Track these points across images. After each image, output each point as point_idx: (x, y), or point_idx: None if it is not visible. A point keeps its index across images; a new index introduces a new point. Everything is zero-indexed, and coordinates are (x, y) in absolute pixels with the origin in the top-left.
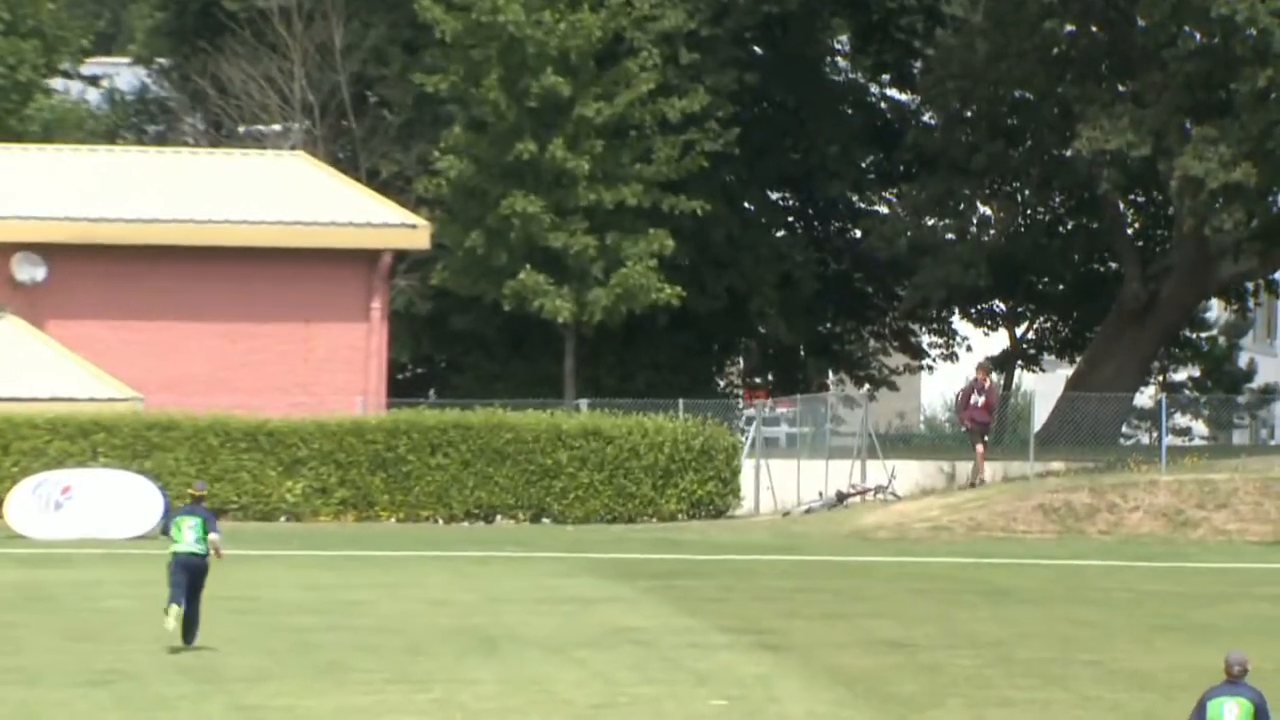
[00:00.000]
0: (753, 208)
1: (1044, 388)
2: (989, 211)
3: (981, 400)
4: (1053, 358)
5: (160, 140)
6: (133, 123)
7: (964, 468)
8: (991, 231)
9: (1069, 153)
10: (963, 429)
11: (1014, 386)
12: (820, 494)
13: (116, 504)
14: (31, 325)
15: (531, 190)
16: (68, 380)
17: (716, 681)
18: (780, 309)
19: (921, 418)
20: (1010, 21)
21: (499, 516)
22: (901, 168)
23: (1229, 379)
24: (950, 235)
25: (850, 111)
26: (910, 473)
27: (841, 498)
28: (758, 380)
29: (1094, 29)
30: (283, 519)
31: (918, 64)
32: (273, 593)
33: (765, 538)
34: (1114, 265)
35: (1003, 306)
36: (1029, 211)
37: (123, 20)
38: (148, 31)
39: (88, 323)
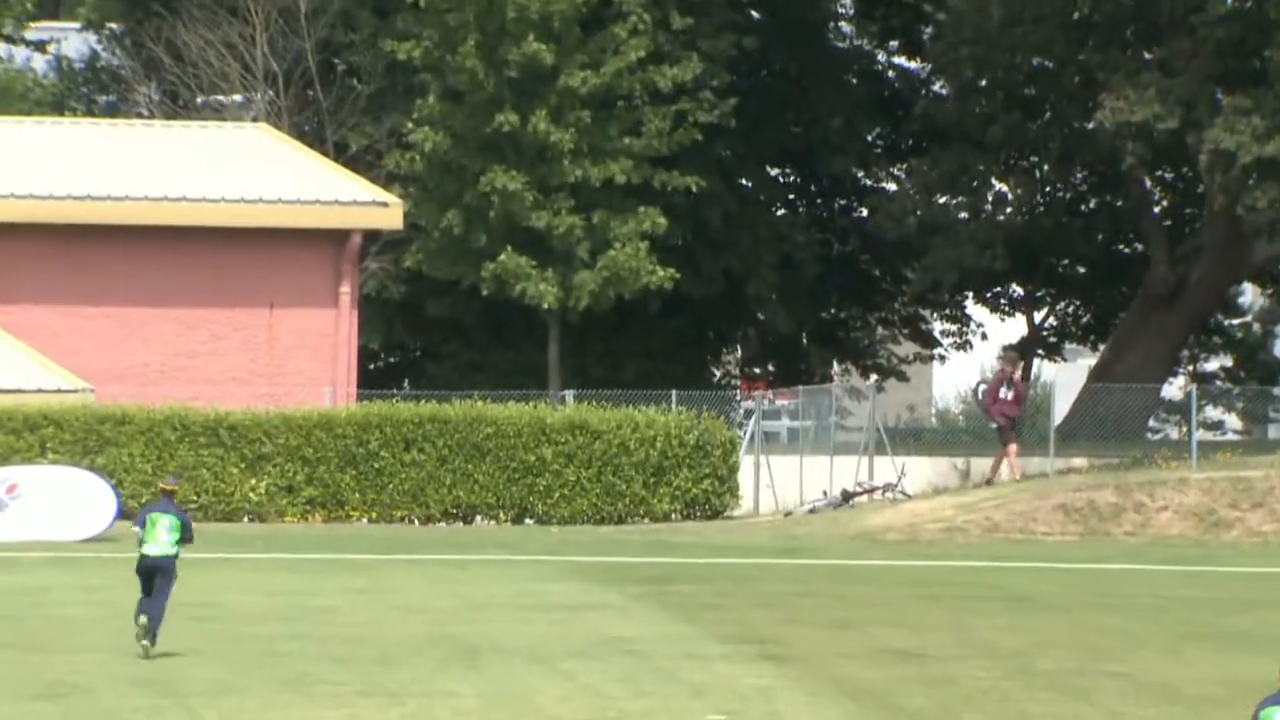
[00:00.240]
0: (751, 184)
1: (1065, 378)
2: (1005, 189)
3: (1011, 393)
4: (1074, 346)
5: (112, 111)
6: (82, 93)
7: (980, 464)
8: (1008, 210)
9: (1091, 125)
10: (992, 425)
11: (1033, 377)
12: (824, 493)
13: (66, 503)
14: None
15: (512, 166)
16: (12, 370)
17: (713, 694)
18: (780, 293)
19: (933, 410)
20: None
21: (478, 517)
22: (910, 141)
23: (1264, 369)
24: (963, 214)
25: (855, 81)
26: (921, 470)
27: (847, 497)
28: (757, 370)
29: None
30: (246, 519)
31: (928, 29)
32: (235, 599)
33: (765, 540)
34: (1140, 246)
35: (1020, 291)
36: (1048, 188)
37: None
38: None
39: (33, 308)
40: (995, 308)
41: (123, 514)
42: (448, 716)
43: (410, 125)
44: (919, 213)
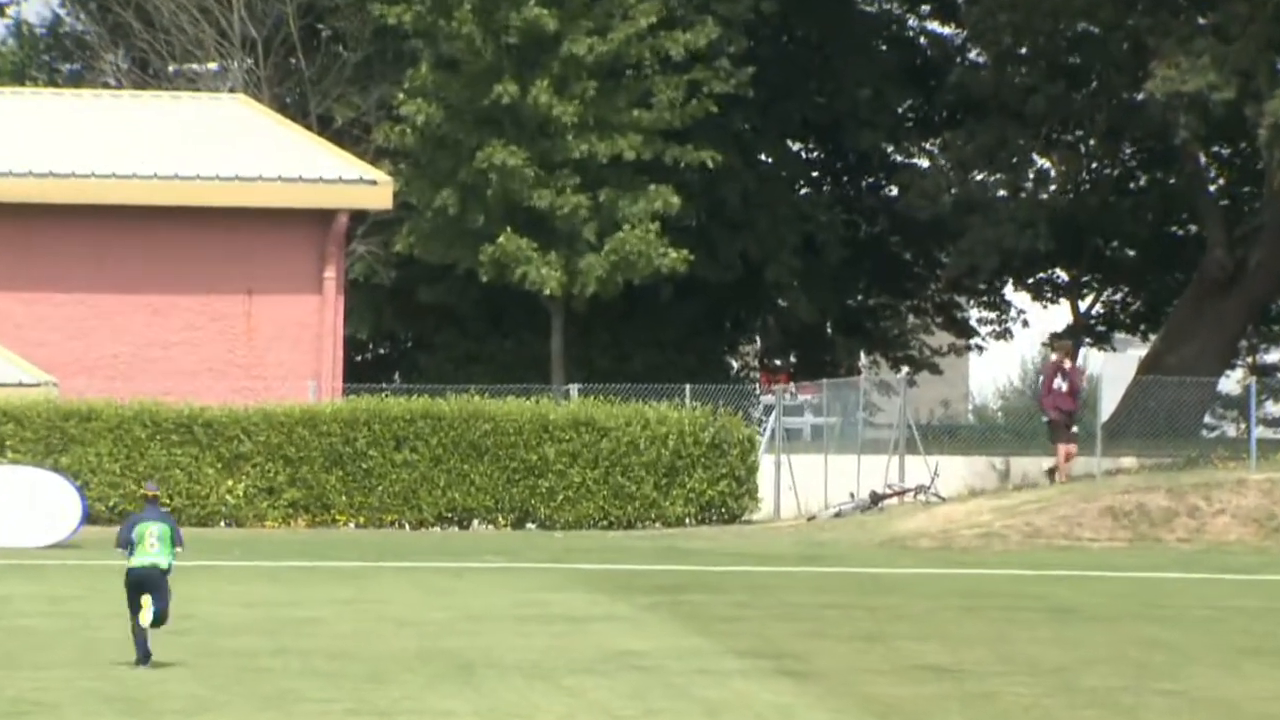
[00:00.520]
0: (770, 160)
1: (1113, 370)
2: (1047, 165)
3: (1065, 385)
4: (1123, 335)
5: (76, 81)
6: (44, 60)
7: (1021, 465)
8: (1051, 188)
9: (1141, 96)
10: (1044, 420)
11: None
12: (851, 495)
13: (27, 507)
14: None
15: (512, 140)
16: None
17: (730, 713)
18: (803, 279)
19: (970, 406)
20: None
21: (475, 521)
22: (944, 114)
23: None
24: (1002, 192)
25: (884, 48)
26: (956, 470)
27: (876, 499)
28: (777, 362)
29: None
30: (223, 524)
31: None
32: (211, 610)
33: (787, 546)
34: (1194, 228)
35: (1064, 276)
36: (1094, 165)
37: None
38: None
39: None
40: (1037, 294)
41: (89, 518)
42: None
43: (401, 96)
44: (954, 191)
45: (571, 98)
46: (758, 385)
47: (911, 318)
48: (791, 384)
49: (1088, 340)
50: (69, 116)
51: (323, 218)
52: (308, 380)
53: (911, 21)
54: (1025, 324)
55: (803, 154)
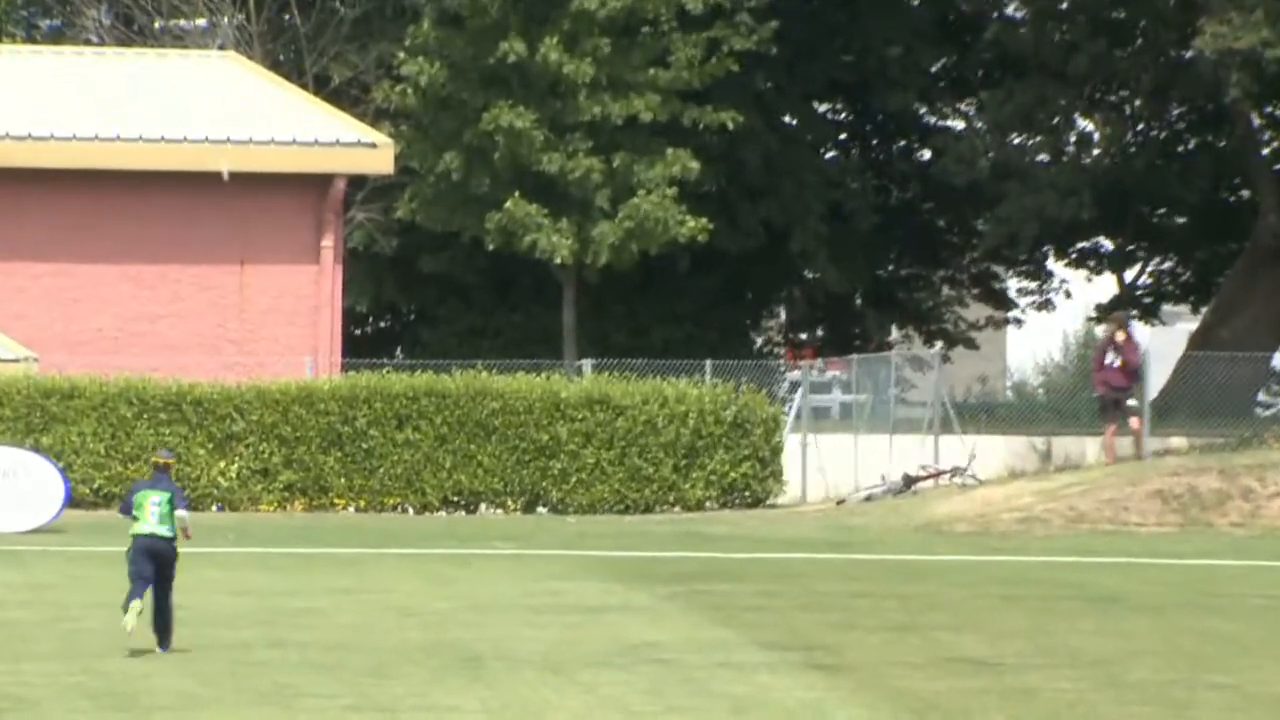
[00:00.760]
0: (795, 122)
1: (1161, 345)
2: (1090, 127)
3: (1118, 361)
4: (1172, 308)
5: (56, 38)
6: (21, 16)
7: (1062, 445)
8: (1094, 152)
9: (1189, 54)
10: (1096, 397)
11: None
12: (883, 478)
13: (6, 489)
14: None
15: (520, 101)
16: None
17: (755, 709)
18: (830, 248)
19: (1008, 382)
20: None
21: (483, 505)
22: (980, 73)
23: None
24: (1042, 156)
25: (916, 3)
26: (995, 451)
27: (909, 482)
28: (803, 336)
29: None
30: (214, 507)
31: None
32: (202, 599)
33: (815, 532)
34: (1246, 193)
35: (1109, 245)
36: (1140, 127)
37: None
38: None
39: None
40: (1080, 264)
41: (71, 501)
42: None
43: (401, 55)
44: (990, 155)
45: (583, 55)
46: (783, 361)
47: (946, 289)
48: (818, 359)
49: (1134, 313)
50: (49, 75)
51: (319, 183)
52: (304, 355)
53: None
54: (1068, 295)
55: (829, 115)
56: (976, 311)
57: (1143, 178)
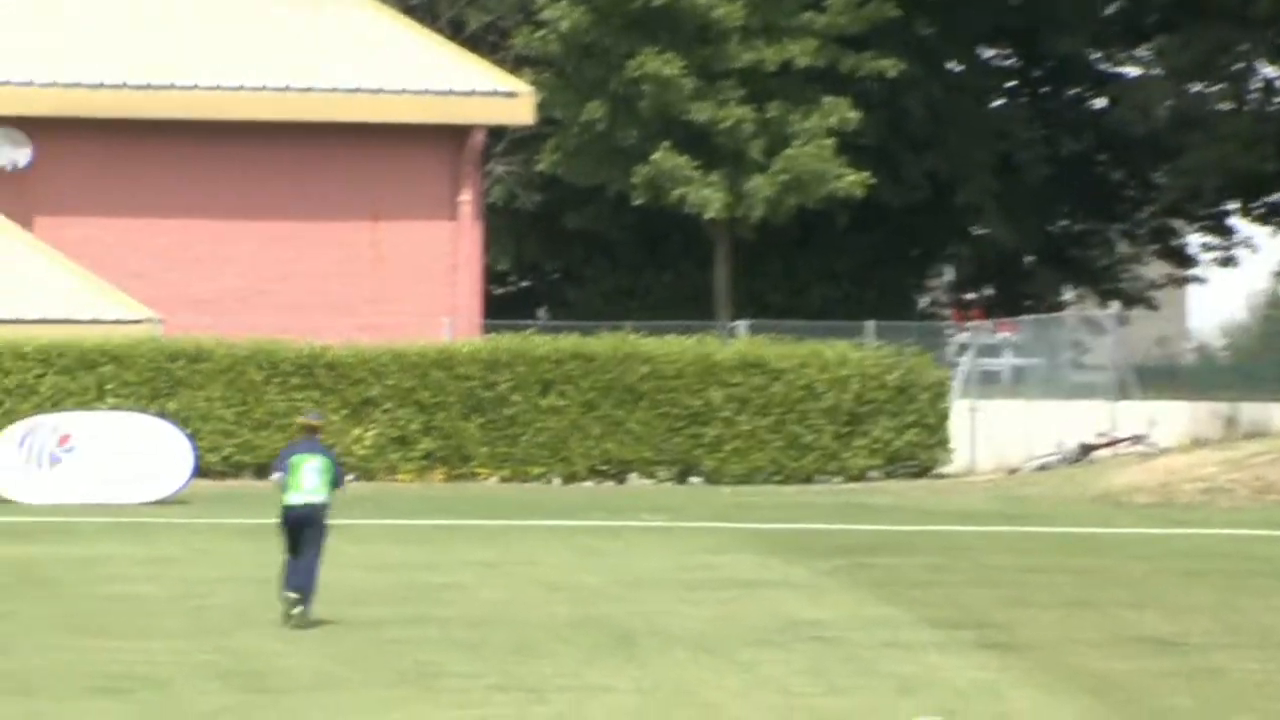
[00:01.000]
0: (960, 69)
1: None
2: (1275, 73)
3: None
4: None
5: None
6: None
7: (1250, 411)
8: (1278, 100)
9: None
10: None
11: None
12: (1058, 446)
13: (130, 458)
14: (14, 224)
15: (668, 47)
16: (62, 297)
17: (923, 690)
18: (999, 202)
19: (1190, 345)
20: None
21: (633, 475)
22: (1157, 17)
23: None
24: (1225, 104)
25: None
26: (1176, 417)
27: (1085, 451)
28: (971, 296)
29: None
30: (350, 478)
31: None
32: (338, 575)
33: (985, 503)
34: None
35: None
36: None
37: None
38: None
39: (88, 220)
40: (1266, 219)
41: (199, 471)
42: (600, 715)
43: None
44: (1170, 103)
45: None
46: (949, 322)
47: (1122, 246)
48: (988, 320)
49: None
50: (169, 20)
51: (456, 134)
52: (442, 317)
53: None
54: (1253, 251)
55: (997, 62)
56: (1155, 270)
57: None
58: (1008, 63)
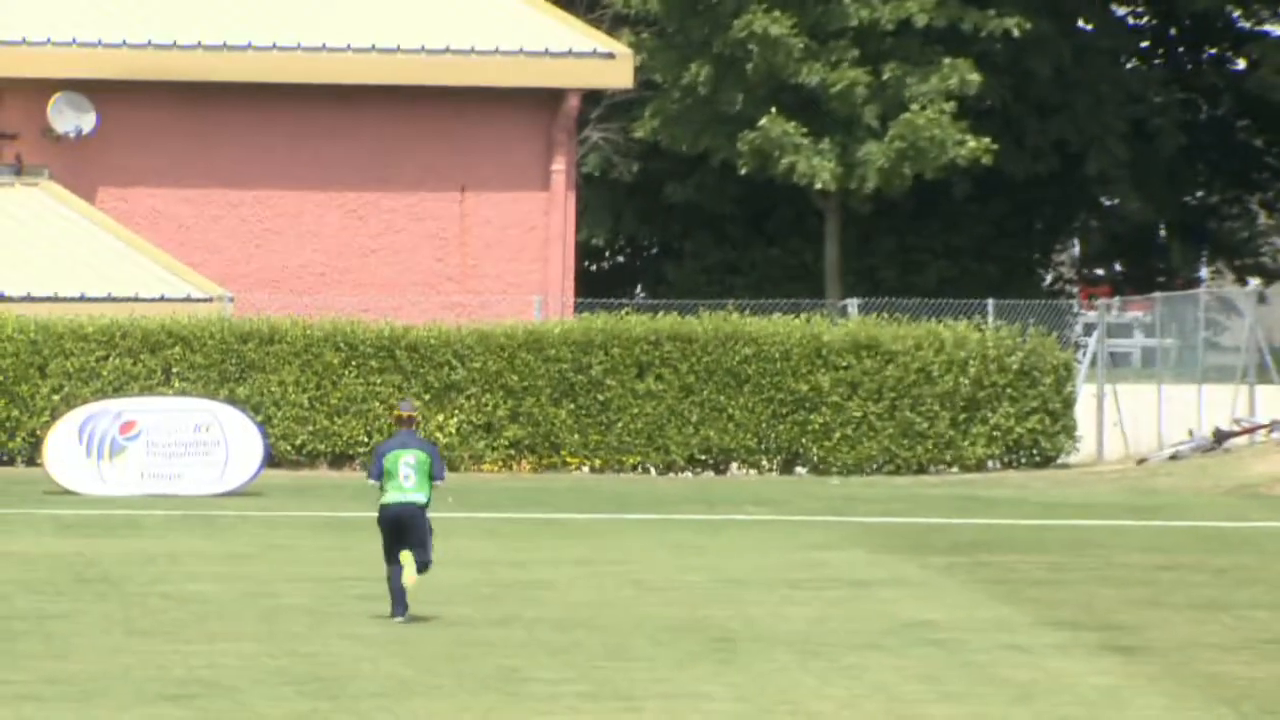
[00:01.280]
0: (1092, 28)
1: None
2: None
3: None
4: None
5: None
6: None
7: None
8: None
9: None
10: None
11: None
12: (1191, 433)
13: (197, 447)
14: (76, 195)
15: (776, 4)
16: (128, 273)
17: (1044, 697)
18: (1131, 172)
19: None
20: None
21: (734, 465)
22: None
23: None
24: None
25: None
26: None
27: (1221, 438)
28: (1099, 272)
29: None
30: None
31: None
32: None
33: (1112, 495)
34: None
35: None
36: None
37: None
38: None
39: (154, 191)
40: None
41: (271, 460)
42: None
43: None
44: None
45: None
46: (1075, 300)
47: (1263, 218)
48: (1116, 298)
49: None
50: None
51: (550, 99)
52: (532, 295)
53: None
54: None
55: (1130, 21)
56: None
57: None
58: (1142, 21)
